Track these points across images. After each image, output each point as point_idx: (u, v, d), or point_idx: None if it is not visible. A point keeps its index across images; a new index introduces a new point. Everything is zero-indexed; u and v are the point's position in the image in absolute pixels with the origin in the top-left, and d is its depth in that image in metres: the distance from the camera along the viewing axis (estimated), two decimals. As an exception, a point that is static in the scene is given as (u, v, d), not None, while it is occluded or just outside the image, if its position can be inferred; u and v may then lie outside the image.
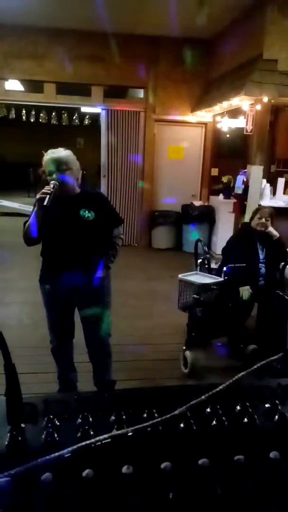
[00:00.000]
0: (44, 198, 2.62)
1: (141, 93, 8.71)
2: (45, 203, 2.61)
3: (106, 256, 3.01)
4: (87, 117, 12.95)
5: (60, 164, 2.78)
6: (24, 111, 12.77)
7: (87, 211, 2.86)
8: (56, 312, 3.05)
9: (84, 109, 11.33)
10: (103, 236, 2.98)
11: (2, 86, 8.26)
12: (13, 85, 8.67)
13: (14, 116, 12.53)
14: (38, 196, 2.70)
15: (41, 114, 12.56)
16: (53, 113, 12.51)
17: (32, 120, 12.75)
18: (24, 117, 12.92)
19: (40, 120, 12.71)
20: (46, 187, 2.69)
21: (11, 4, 6.51)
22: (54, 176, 2.75)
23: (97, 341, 3.12)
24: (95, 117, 11.35)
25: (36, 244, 2.94)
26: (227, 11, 6.52)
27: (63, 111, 12.67)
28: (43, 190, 2.67)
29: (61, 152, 2.84)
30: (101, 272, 2.96)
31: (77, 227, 2.85)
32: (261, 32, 5.94)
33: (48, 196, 2.62)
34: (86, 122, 13.05)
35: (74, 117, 12.67)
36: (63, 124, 13.10)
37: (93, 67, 8.07)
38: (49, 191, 2.64)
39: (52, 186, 2.68)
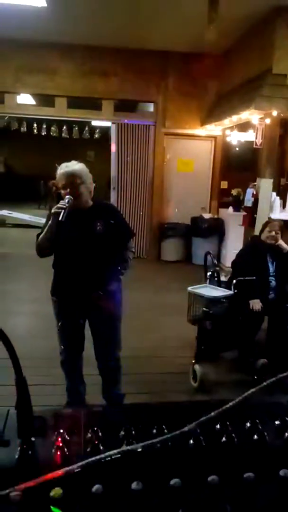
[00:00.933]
0: (59, 213, 2.64)
1: (151, 107, 8.79)
2: (60, 218, 2.63)
3: (118, 269, 3.01)
4: (97, 130, 13.08)
5: (74, 178, 2.79)
6: (35, 125, 12.94)
7: (99, 224, 2.88)
8: (67, 324, 3.05)
9: (94, 122, 11.45)
10: (115, 249, 2.99)
11: (14, 100, 8.39)
12: (25, 99, 8.80)
13: (26, 129, 12.69)
14: (53, 210, 2.71)
15: (52, 128, 12.71)
16: (64, 127, 12.66)
17: (43, 134, 12.91)
18: (35, 131, 13.08)
19: (51, 134, 12.86)
20: (61, 202, 2.70)
21: (24, 20, 6.64)
22: (68, 190, 2.76)
23: (108, 354, 3.11)
24: (105, 131, 11.46)
25: (49, 256, 2.96)
26: (236, 26, 6.59)
27: (74, 125, 12.82)
28: (58, 205, 2.69)
29: (75, 166, 2.85)
30: (113, 285, 2.97)
31: (90, 240, 2.87)
32: (271, 47, 5.98)
33: (63, 211, 2.64)
34: (97, 136, 13.17)
35: (84, 131, 12.80)
36: (74, 137, 13.23)
37: (103, 82, 8.18)
38: (64, 206, 2.66)
39: (67, 201, 2.69)
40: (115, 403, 3.14)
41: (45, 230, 2.82)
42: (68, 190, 2.76)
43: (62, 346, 3.13)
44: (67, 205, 2.67)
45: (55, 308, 3.05)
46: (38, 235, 2.91)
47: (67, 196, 2.73)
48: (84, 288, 2.91)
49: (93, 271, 2.90)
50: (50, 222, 2.78)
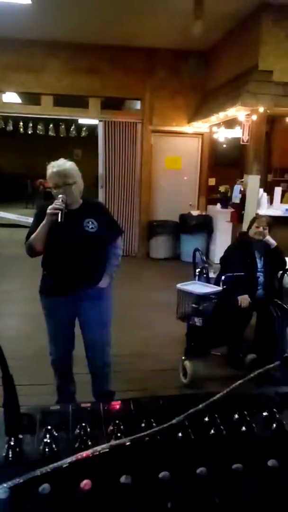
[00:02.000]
0: (56, 214, 2.63)
1: (138, 105, 8.77)
2: (59, 220, 2.62)
3: (109, 267, 3.02)
4: (84, 128, 13.01)
5: (66, 177, 2.78)
6: (21, 123, 12.82)
7: (90, 223, 2.88)
8: (57, 323, 3.04)
9: (81, 120, 11.40)
10: (105, 247, 3.00)
11: (0, 98, 8.32)
12: (11, 97, 8.73)
13: (12, 128, 12.56)
14: (49, 211, 2.68)
15: (38, 126, 12.60)
16: (51, 125, 12.56)
17: (29, 132, 12.79)
18: (21, 129, 12.96)
19: (38, 132, 12.75)
20: (57, 202, 2.68)
21: (8, 18, 6.59)
22: (60, 190, 2.75)
23: (98, 351, 3.11)
24: (92, 129, 11.41)
25: (39, 255, 2.94)
26: (222, 22, 6.60)
27: (61, 123, 12.73)
28: (55, 206, 2.66)
29: (66, 164, 2.83)
30: (104, 283, 2.98)
31: (81, 239, 2.86)
32: (257, 43, 6.01)
33: (60, 212, 2.63)
34: (84, 134, 13.11)
35: (71, 129, 12.73)
36: (61, 135, 13.16)
37: (90, 79, 8.14)
38: (60, 207, 2.65)
39: (61, 201, 2.68)
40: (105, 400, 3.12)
41: (38, 230, 2.77)
42: (61, 190, 2.75)
43: (52, 345, 3.12)
44: (63, 205, 2.66)
45: (45, 307, 3.03)
46: (28, 235, 2.89)
47: (60, 196, 2.71)
48: (76, 286, 2.90)
49: (86, 269, 2.90)
50: (44, 222, 2.74)
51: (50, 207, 2.69)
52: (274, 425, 1.06)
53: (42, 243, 2.80)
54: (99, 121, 8.53)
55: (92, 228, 2.88)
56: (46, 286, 3.00)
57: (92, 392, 3.22)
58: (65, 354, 3.14)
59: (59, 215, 2.62)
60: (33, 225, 2.88)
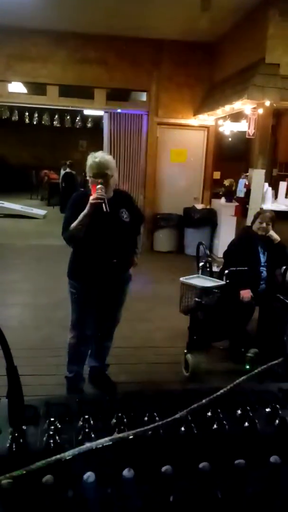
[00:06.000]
0: (100, 204, 2.77)
1: (143, 96, 8.72)
2: (105, 209, 2.77)
3: (135, 253, 3.28)
4: (89, 119, 12.97)
5: (106, 168, 2.91)
6: (27, 113, 12.80)
7: (124, 213, 3.06)
8: (87, 306, 3.18)
9: (87, 111, 11.35)
10: (135, 235, 3.28)
11: (5, 88, 8.28)
12: (16, 87, 8.69)
13: (17, 118, 12.55)
14: (92, 200, 2.80)
15: (44, 117, 12.58)
16: (56, 116, 12.53)
17: (35, 123, 12.77)
18: (27, 119, 12.94)
19: (43, 123, 12.72)
20: (98, 193, 2.80)
21: (15, 7, 6.54)
22: (100, 180, 2.87)
23: (109, 326, 3.34)
24: (98, 120, 11.37)
25: (81, 244, 3.03)
26: (229, 15, 6.54)
27: (66, 114, 12.70)
28: (98, 196, 2.79)
29: (106, 157, 2.97)
30: (133, 267, 3.28)
31: (118, 228, 3.02)
32: (264, 36, 5.95)
33: (103, 202, 2.77)
34: (89, 125, 13.07)
35: (77, 120, 12.69)
36: (66, 126, 13.12)
37: (96, 70, 8.09)
38: (103, 197, 2.79)
39: (101, 190, 2.81)
40: (101, 371, 3.37)
41: (81, 218, 2.88)
42: (100, 180, 2.87)
43: (76, 329, 3.21)
44: (104, 195, 2.80)
45: (74, 291, 3.14)
46: (65, 225, 2.98)
47: (99, 186, 2.83)
48: (111, 272, 3.08)
49: (120, 256, 3.10)
50: (86, 211, 2.85)
51: (92, 197, 2.82)
52: (277, 421, 1.06)
53: (85, 232, 2.92)
54: (105, 112, 8.49)
55: (126, 218, 3.06)
56: (80, 272, 3.12)
57: (88, 360, 3.37)
58: (88, 337, 3.27)
59: (105, 205, 2.78)
60: (70, 215, 2.99)
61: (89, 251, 3.04)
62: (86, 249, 3.04)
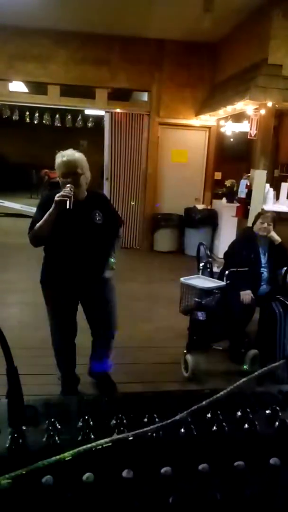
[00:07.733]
0: (64, 201, 2.68)
1: (145, 96, 8.72)
2: (68, 206, 2.67)
3: (110, 257, 3.10)
4: (90, 119, 12.95)
5: (74, 167, 2.82)
6: (27, 113, 12.78)
7: (97, 214, 2.95)
8: (61, 311, 3.10)
9: (88, 111, 11.33)
10: (109, 238, 3.09)
11: (6, 87, 8.28)
12: (17, 86, 8.69)
13: (18, 117, 12.52)
14: (57, 198, 2.71)
15: (44, 116, 12.55)
16: (57, 115, 12.51)
17: (35, 122, 12.74)
18: (27, 119, 12.92)
19: (44, 122, 12.69)
20: (65, 190, 2.72)
21: (17, 7, 6.54)
22: (68, 179, 2.78)
23: (105, 323, 3.24)
24: (98, 120, 11.35)
25: (43, 245, 2.97)
26: (232, 15, 6.54)
27: (67, 113, 12.67)
28: (63, 193, 2.71)
29: (75, 155, 2.87)
30: (108, 273, 3.08)
31: (89, 230, 2.93)
32: (266, 37, 5.95)
33: (68, 199, 2.68)
34: (90, 125, 13.05)
35: (77, 119, 12.68)
36: (67, 126, 13.11)
37: (97, 70, 8.09)
38: (69, 194, 2.69)
39: (69, 189, 2.72)
40: (102, 371, 3.31)
41: (46, 218, 2.80)
42: (69, 179, 2.79)
43: (55, 334, 3.15)
44: (71, 193, 2.70)
45: (47, 296, 3.05)
46: (31, 225, 2.90)
47: (68, 185, 2.75)
48: (82, 275, 2.97)
49: (92, 260, 2.98)
50: (51, 210, 2.77)
51: (58, 194, 2.73)
52: (277, 423, 1.06)
53: (49, 231, 2.82)
54: (106, 112, 8.49)
55: (99, 220, 2.94)
56: (51, 275, 3.02)
57: (89, 362, 3.32)
58: (68, 342, 3.18)
59: (68, 202, 2.67)
60: (37, 215, 2.91)
61: (58, 254, 2.96)
62: (55, 251, 2.97)
